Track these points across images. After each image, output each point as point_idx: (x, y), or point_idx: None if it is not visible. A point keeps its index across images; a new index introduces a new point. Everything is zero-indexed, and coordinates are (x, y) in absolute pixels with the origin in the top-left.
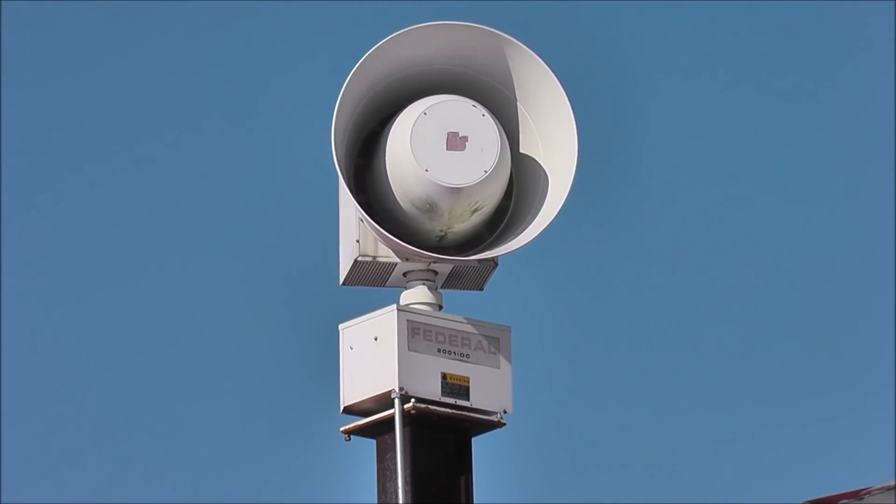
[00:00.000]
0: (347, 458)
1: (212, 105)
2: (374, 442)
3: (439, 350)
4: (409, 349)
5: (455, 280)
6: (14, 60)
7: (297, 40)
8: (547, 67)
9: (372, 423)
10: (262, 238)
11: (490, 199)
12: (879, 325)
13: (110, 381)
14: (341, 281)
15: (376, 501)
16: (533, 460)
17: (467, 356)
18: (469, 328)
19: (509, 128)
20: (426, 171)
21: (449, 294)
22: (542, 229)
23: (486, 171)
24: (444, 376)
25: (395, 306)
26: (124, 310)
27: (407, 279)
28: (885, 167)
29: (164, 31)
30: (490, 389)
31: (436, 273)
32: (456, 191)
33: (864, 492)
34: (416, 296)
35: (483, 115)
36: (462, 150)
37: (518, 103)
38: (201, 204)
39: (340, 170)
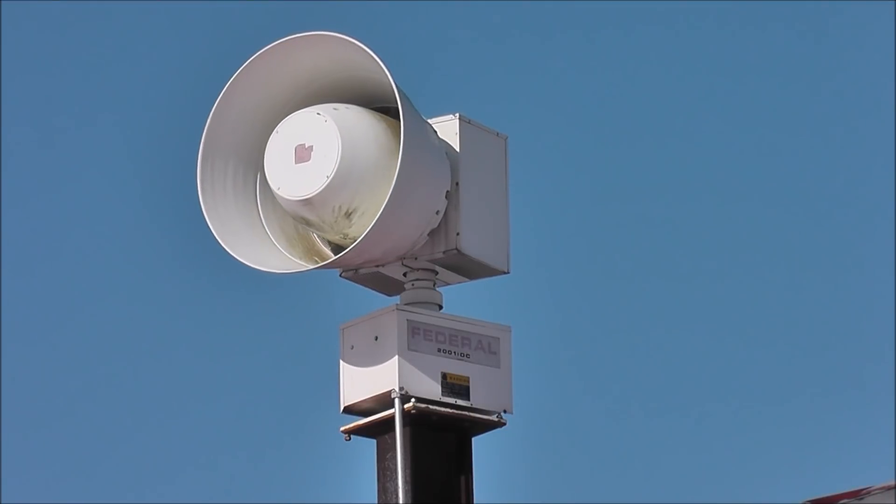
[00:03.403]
0: (347, 458)
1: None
2: (374, 442)
3: (439, 350)
4: (409, 349)
5: (463, 272)
6: (14, 61)
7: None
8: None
9: (372, 422)
10: None
11: (362, 199)
12: (879, 325)
13: (109, 381)
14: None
15: (376, 501)
16: (533, 460)
17: (467, 356)
18: (469, 328)
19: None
20: (278, 189)
21: (449, 294)
22: (371, 224)
23: (328, 177)
24: (444, 376)
25: (395, 306)
26: (124, 311)
27: (407, 279)
28: (885, 168)
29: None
30: (490, 389)
31: (435, 273)
32: (306, 202)
33: (864, 492)
34: (416, 295)
35: (325, 121)
36: (308, 160)
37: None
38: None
39: (201, 193)
